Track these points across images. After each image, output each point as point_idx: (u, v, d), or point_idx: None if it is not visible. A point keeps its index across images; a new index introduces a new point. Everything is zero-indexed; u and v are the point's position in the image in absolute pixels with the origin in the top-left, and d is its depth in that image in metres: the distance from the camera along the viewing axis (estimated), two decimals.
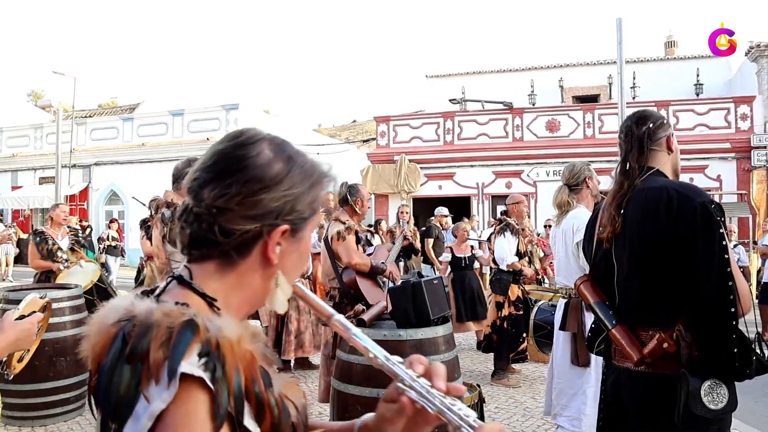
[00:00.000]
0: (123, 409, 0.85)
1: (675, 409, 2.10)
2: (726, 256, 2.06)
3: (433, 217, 13.40)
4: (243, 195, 0.98)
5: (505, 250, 7.05)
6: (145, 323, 0.88)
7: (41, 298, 2.39)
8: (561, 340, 4.47)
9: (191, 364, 0.84)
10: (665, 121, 2.53)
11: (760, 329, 9.47)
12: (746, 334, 2.11)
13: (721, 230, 2.07)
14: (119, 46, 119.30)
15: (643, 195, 2.32)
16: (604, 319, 2.41)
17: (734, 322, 2.06)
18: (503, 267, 7.10)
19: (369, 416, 1.15)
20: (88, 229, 17.02)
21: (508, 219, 7.23)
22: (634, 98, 19.65)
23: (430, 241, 12.20)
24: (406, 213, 11.18)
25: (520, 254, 7.10)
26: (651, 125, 2.46)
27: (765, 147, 17.00)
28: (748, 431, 5.39)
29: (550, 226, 8.93)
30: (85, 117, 26.53)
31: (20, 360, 2.39)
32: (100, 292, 6.97)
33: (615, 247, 2.43)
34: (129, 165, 22.69)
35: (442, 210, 12.96)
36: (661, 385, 2.17)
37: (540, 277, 8.48)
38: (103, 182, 23.69)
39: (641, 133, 2.45)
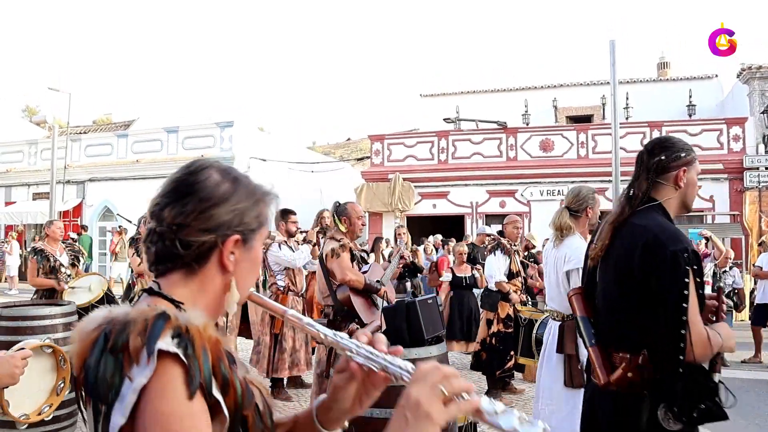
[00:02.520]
0: (111, 393, 0.98)
1: (638, 428, 2.17)
2: (684, 305, 2.10)
3: (430, 237, 13.42)
4: (198, 211, 1.15)
5: (494, 268, 7.10)
6: (122, 321, 1.02)
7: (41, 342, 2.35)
8: (554, 362, 4.45)
9: (166, 343, 0.98)
10: (683, 155, 2.42)
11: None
12: (709, 379, 2.15)
13: (686, 279, 2.11)
14: (114, 62, 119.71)
15: (630, 230, 2.34)
16: (585, 336, 2.48)
17: (680, 367, 2.10)
18: (491, 285, 7.13)
19: (323, 395, 1.28)
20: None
21: (501, 239, 7.27)
22: (627, 119, 19.81)
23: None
24: (404, 234, 11.26)
25: (512, 274, 7.13)
26: (663, 157, 2.41)
27: (757, 168, 17.12)
28: None
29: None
30: (80, 133, 26.52)
31: (39, 414, 2.35)
32: (109, 302, 6.95)
33: (599, 269, 2.49)
34: (123, 181, 22.65)
35: (486, 229, 12.54)
36: (629, 404, 2.22)
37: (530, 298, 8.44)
38: (96, 198, 23.63)
39: (651, 164, 2.42)
